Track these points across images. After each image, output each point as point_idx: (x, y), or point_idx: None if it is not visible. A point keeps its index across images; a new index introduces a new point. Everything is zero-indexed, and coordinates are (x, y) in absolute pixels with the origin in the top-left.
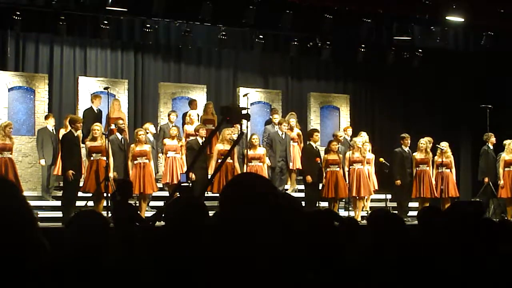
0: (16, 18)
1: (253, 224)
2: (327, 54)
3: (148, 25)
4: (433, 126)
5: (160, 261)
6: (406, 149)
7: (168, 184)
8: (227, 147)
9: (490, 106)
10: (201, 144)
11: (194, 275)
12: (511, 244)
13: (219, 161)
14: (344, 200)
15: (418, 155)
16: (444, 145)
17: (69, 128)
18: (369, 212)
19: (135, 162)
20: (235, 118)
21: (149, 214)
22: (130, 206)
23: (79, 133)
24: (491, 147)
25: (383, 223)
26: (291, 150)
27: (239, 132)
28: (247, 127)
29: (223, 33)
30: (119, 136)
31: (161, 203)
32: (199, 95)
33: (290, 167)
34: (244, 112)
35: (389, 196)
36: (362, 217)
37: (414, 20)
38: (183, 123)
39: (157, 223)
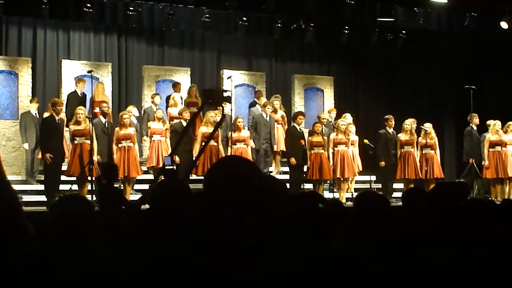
0: None
1: (238, 207)
2: (310, 36)
3: (131, 8)
4: (417, 107)
5: (145, 244)
6: (391, 130)
7: (153, 168)
8: (211, 129)
9: (473, 87)
10: (183, 126)
11: (180, 258)
12: (500, 225)
13: (203, 143)
14: (328, 182)
15: (402, 136)
16: (428, 126)
17: (52, 111)
18: (354, 193)
19: (119, 145)
20: (217, 100)
21: (134, 197)
22: (116, 190)
23: (62, 116)
24: (475, 128)
25: (368, 204)
26: (276, 132)
27: (221, 114)
28: (231, 110)
29: (207, 15)
30: (103, 120)
31: (145, 187)
32: (183, 77)
33: (275, 149)
34: (225, 94)
35: (373, 178)
36: (347, 199)
37: (398, 1)
38: (167, 106)
39: (143, 207)
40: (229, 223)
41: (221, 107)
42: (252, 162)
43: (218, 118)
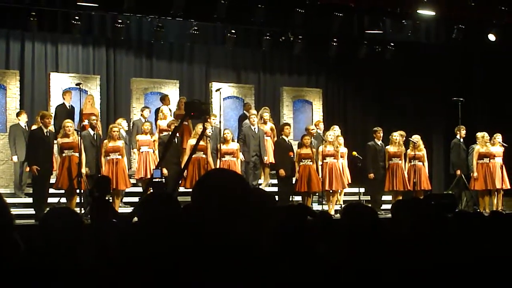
0: None
1: (225, 219)
2: (299, 48)
3: (119, 21)
4: (406, 119)
5: (133, 258)
6: (379, 142)
7: (141, 179)
8: (201, 142)
9: (461, 99)
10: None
11: (167, 270)
12: (485, 237)
13: (192, 156)
14: (317, 194)
15: (391, 148)
16: (417, 138)
17: (40, 124)
18: (344, 206)
19: (108, 158)
20: (199, 113)
21: (122, 210)
22: (108, 203)
23: (50, 128)
24: (461, 140)
25: (357, 216)
26: (265, 144)
27: (203, 127)
28: (220, 122)
29: (195, 28)
30: (91, 132)
31: (134, 199)
32: (172, 90)
33: (264, 162)
34: (205, 107)
35: (362, 190)
36: (336, 211)
37: (386, 14)
38: (156, 119)
39: (135, 219)
40: (217, 236)
41: (210, 120)
42: (238, 175)
43: (208, 131)
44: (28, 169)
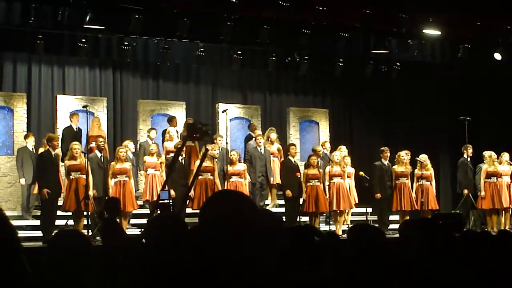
0: None
1: (231, 240)
2: (305, 69)
3: (126, 43)
4: (412, 139)
5: (141, 280)
6: (386, 162)
7: (148, 201)
8: (207, 163)
9: (468, 118)
10: (180, 160)
11: None
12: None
13: (200, 177)
14: (325, 214)
15: (398, 168)
16: (424, 158)
17: (48, 146)
18: (350, 226)
19: (115, 180)
20: (201, 134)
21: (130, 231)
22: (118, 224)
23: (58, 151)
24: (468, 158)
25: (364, 236)
26: (272, 165)
27: (204, 148)
28: (226, 144)
29: (201, 49)
30: (98, 154)
31: (141, 221)
32: (178, 111)
33: (271, 182)
34: (206, 128)
35: (369, 210)
36: (343, 231)
37: (391, 34)
38: (163, 140)
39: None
40: (224, 257)
41: (216, 141)
42: (245, 196)
43: (215, 152)
44: (35, 191)
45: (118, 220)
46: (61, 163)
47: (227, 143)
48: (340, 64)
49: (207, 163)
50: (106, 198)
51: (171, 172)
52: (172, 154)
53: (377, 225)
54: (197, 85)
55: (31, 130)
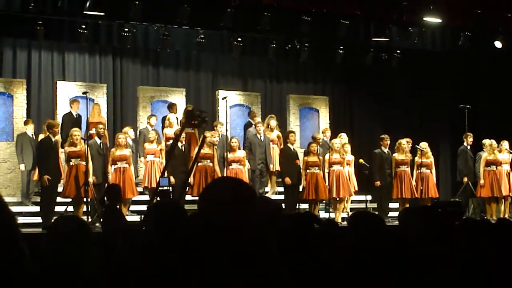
0: None
1: (230, 227)
2: (305, 56)
3: (126, 29)
4: (412, 127)
5: (140, 266)
6: (386, 150)
7: (147, 188)
8: (207, 150)
9: (468, 106)
10: (180, 147)
11: (174, 279)
12: (493, 245)
13: (199, 164)
14: (324, 202)
15: (398, 156)
16: (424, 145)
17: (47, 133)
18: (350, 213)
19: (115, 166)
20: (199, 121)
21: (129, 218)
22: (119, 211)
23: (57, 138)
24: (468, 147)
25: (364, 223)
26: (271, 152)
27: (203, 136)
28: (226, 131)
29: (202, 36)
30: (98, 140)
31: (141, 207)
32: (178, 98)
33: (271, 169)
34: (203, 115)
35: (369, 197)
36: (343, 219)
37: (392, 21)
38: (163, 127)
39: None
40: (223, 244)
41: (217, 128)
42: (244, 183)
43: (215, 139)
44: (35, 177)
45: (118, 206)
46: (60, 150)
47: (227, 130)
48: (341, 51)
49: (206, 150)
50: (107, 184)
51: (169, 159)
52: (172, 141)
53: (376, 213)
54: (197, 72)
55: (31, 116)
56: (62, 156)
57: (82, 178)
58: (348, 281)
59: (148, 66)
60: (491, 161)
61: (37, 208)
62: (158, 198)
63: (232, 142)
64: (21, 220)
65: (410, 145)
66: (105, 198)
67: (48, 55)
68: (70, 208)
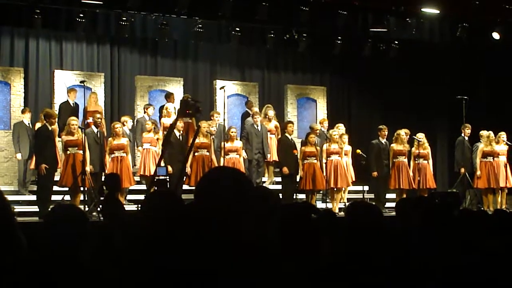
0: None
1: (226, 216)
2: (303, 46)
3: (124, 18)
4: (410, 118)
5: (137, 255)
6: (383, 140)
7: (144, 176)
8: (204, 139)
9: (466, 97)
10: (178, 137)
11: (172, 269)
12: (490, 235)
13: (196, 154)
14: (321, 192)
15: (396, 147)
16: (421, 136)
17: (44, 122)
18: (347, 203)
19: (112, 155)
20: (193, 111)
21: (126, 207)
22: (117, 200)
23: (54, 127)
24: (466, 138)
25: (361, 214)
26: (269, 142)
27: (196, 126)
28: (224, 120)
29: (200, 26)
30: (95, 129)
31: (138, 196)
32: (176, 88)
33: (268, 159)
34: (198, 105)
35: (366, 188)
36: (340, 209)
37: (390, 12)
38: (160, 116)
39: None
40: (220, 233)
41: (214, 117)
42: (241, 172)
43: (213, 129)
44: (32, 166)
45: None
46: (57, 138)
47: (224, 120)
48: (339, 42)
49: (203, 140)
50: (104, 173)
51: (165, 149)
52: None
53: (374, 203)
54: (195, 62)
55: (28, 105)
56: (59, 145)
57: (79, 167)
58: (344, 271)
59: (146, 55)
60: (487, 152)
61: (34, 197)
62: (155, 188)
63: (231, 132)
64: (17, 209)
65: (408, 136)
66: (104, 187)
67: (46, 44)
68: (67, 197)
